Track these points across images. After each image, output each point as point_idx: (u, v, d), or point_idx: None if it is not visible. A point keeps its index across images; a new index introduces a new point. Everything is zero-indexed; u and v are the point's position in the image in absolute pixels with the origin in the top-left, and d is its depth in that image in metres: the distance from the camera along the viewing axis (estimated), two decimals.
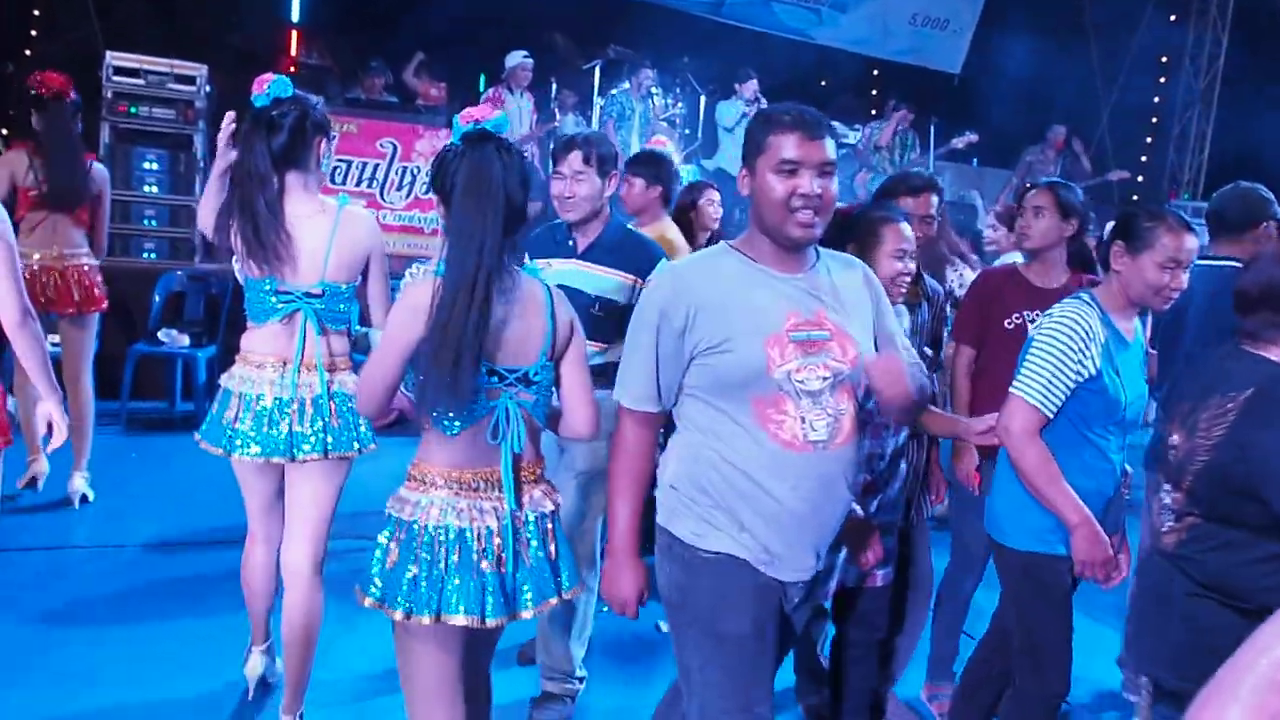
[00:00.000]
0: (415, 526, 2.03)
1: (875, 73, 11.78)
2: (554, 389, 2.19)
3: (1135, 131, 12.42)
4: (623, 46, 9.14)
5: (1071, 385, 2.41)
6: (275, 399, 2.68)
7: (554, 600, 2.14)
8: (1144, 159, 12.63)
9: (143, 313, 6.09)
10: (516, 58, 8.23)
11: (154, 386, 6.17)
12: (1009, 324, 3.10)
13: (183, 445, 5.60)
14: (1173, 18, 12.05)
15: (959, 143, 9.38)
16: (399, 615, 2.01)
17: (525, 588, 2.09)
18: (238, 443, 2.69)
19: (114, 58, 6.65)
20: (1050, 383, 2.40)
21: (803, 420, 1.96)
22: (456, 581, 2.01)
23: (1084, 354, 2.39)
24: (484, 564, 2.03)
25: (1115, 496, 2.55)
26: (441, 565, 2.01)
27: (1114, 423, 2.47)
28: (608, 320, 2.95)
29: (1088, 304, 2.47)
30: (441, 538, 2.02)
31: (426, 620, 1.99)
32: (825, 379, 1.97)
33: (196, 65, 6.81)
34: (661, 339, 2.00)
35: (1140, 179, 12.46)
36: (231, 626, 3.49)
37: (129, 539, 4.26)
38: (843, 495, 2.06)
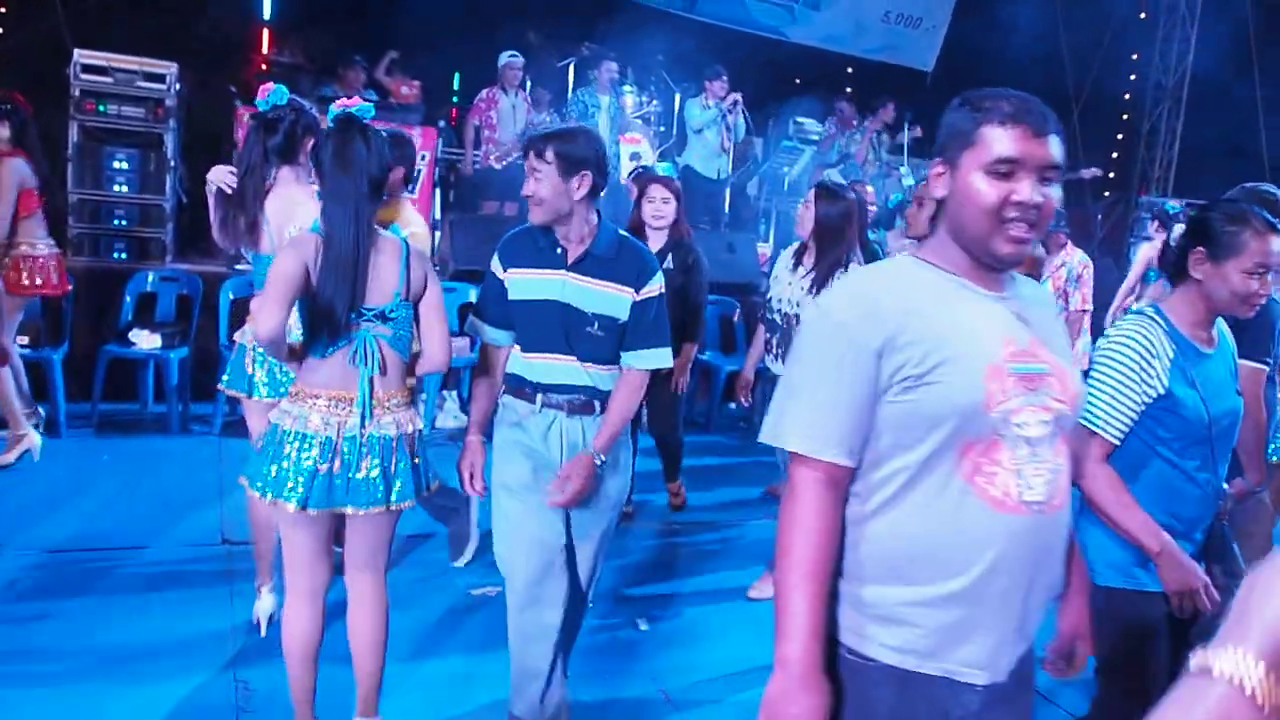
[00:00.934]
0: (278, 429, 2.56)
1: (849, 70, 11.83)
2: (416, 329, 2.68)
3: (1106, 128, 12.54)
4: (597, 44, 9.12)
5: (1138, 407, 2.26)
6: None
7: (380, 509, 2.59)
8: (1115, 155, 12.76)
9: (114, 313, 6.02)
10: (505, 57, 8.20)
11: (125, 388, 6.10)
12: None
13: (154, 447, 5.64)
14: (1143, 15, 12.17)
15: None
16: (257, 495, 2.58)
17: (355, 492, 2.56)
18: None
19: (82, 55, 6.56)
20: (1112, 407, 2.26)
21: (1018, 474, 1.56)
22: (294, 476, 2.53)
23: (1147, 372, 2.25)
24: (320, 466, 2.52)
25: (1211, 519, 2.40)
26: (287, 462, 2.53)
27: (1197, 441, 2.29)
28: (608, 340, 2.73)
29: (1151, 319, 2.31)
30: (291, 440, 2.53)
31: (269, 500, 2.56)
32: (1047, 423, 1.58)
33: (166, 63, 6.74)
34: (851, 365, 1.56)
35: (1111, 175, 12.58)
36: (212, 626, 3.47)
37: (101, 541, 4.21)
38: (1056, 572, 1.66)
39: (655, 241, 4.62)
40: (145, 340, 5.83)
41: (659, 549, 4.82)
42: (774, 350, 4.23)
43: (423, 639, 3.63)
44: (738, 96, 8.64)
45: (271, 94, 3.16)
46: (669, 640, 3.77)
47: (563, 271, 2.72)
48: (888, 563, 1.58)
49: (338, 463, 2.53)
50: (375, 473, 2.56)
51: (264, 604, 3.53)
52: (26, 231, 5.08)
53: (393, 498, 2.60)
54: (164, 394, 5.93)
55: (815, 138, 9.29)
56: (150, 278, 6.19)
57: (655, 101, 9.01)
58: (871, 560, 1.59)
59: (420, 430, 2.69)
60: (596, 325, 2.71)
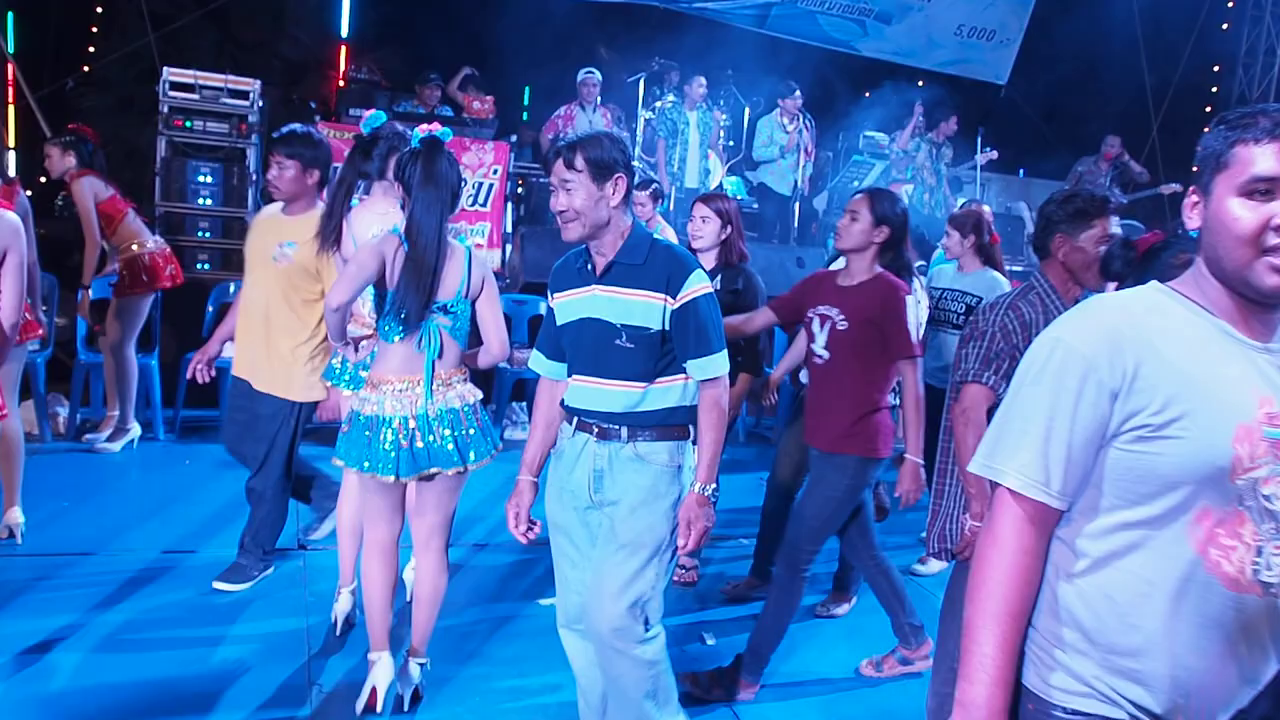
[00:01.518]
0: (359, 415, 2.97)
1: (919, 83, 11.73)
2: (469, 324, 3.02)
3: (1187, 143, 12.22)
4: (666, 59, 9.17)
5: None
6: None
7: (457, 469, 2.96)
8: (1195, 170, 12.42)
9: (196, 323, 6.21)
10: (581, 73, 8.32)
11: (206, 395, 6.27)
12: (810, 314, 3.47)
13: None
14: (1225, 26, 11.87)
15: (982, 159, 9.37)
16: (352, 470, 3.01)
17: (435, 456, 2.94)
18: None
19: (171, 73, 6.80)
20: None
21: (1258, 552, 1.40)
22: (381, 454, 2.92)
23: None
24: (402, 443, 2.91)
25: None
26: (374, 443, 2.93)
27: None
28: (639, 352, 2.55)
29: None
30: (373, 424, 2.93)
31: (364, 474, 2.97)
32: None
33: (250, 80, 6.96)
34: (1084, 402, 1.42)
35: (1191, 190, 12.23)
36: (289, 626, 3.56)
37: (185, 544, 4.34)
38: (1275, 664, 1.49)
39: (705, 263, 4.23)
40: (226, 350, 5.98)
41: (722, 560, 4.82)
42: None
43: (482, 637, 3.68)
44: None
45: (370, 118, 3.43)
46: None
47: (593, 287, 2.61)
48: (1092, 627, 1.45)
49: (417, 437, 2.92)
50: (449, 441, 2.95)
51: (342, 604, 3.66)
52: (126, 235, 5.45)
53: (470, 458, 2.99)
54: None
55: (886, 152, 9.23)
56: (231, 288, 6.36)
57: (725, 116, 9.03)
58: (1072, 620, 1.47)
59: (480, 399, 3.06)
60: (625, 337, 2.55)
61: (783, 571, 3.43)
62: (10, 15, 7.99)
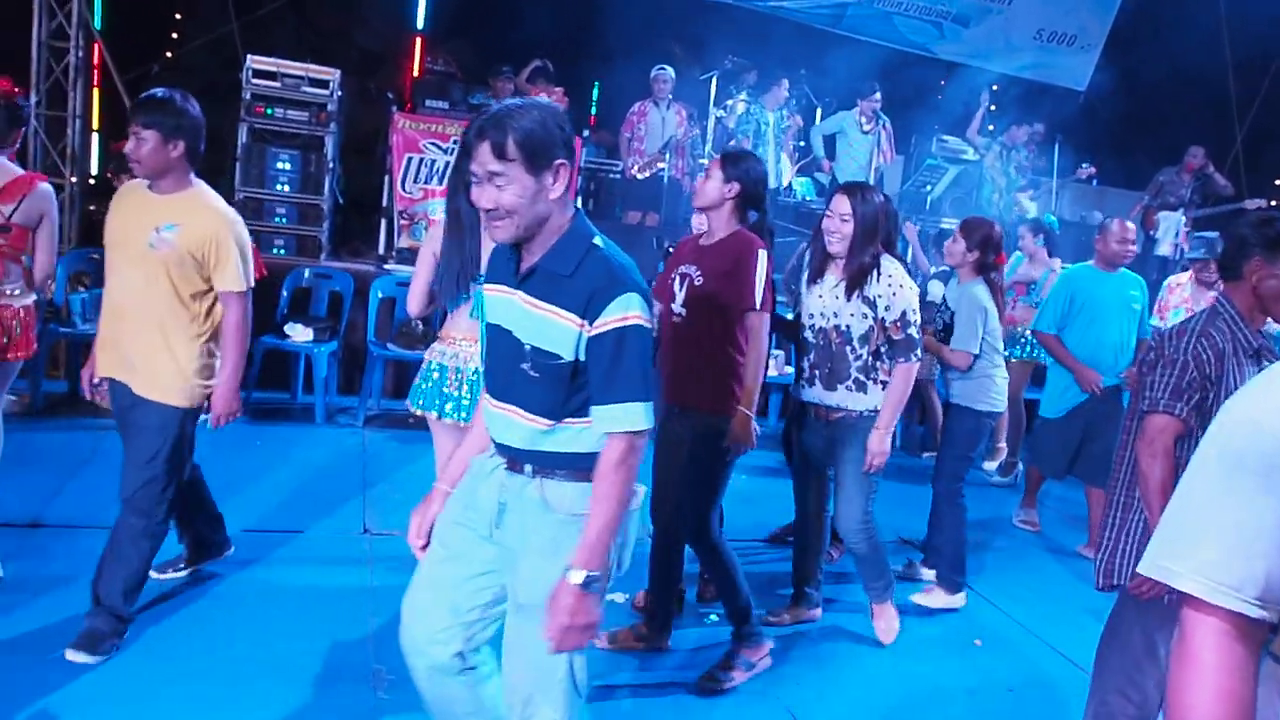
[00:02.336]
0: (431, 363, 3.26)
1: (995, 87, 11.53)
2: None
3: (1272, 156, 11.87)
4: (740, 57, 9.13)
5: None
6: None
7: None
8: None
9: (270, 307, 6.32)
10: (655, 70, 8.31)
11: (279, 378, 6.40)
12: (673, 275, 3.48)
13: (301, 436, 5.89)
14: None
15: (1082, 174, 9.25)
16: (422, 413, 3.27)
17: (468, 410, 3.15)
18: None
19: (254, 61, 6.92)
20: None
21: None
22: (439, 396, 3.23)
23: None
24: (462, 389, 3.21)
25: None
26: (432, 385, 3.24)
27: None
28: (545, 383, 2.06)
29: None
30: (436, 369, 3.24)
31: (433, 416, 3.23)
32: None
33: (330, 70, 7.06)
34: None
35: (1275, 204, 11.90)
36: (352, 611, 3.61)
37: (257, 523, 4.42)
38: None
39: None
40: (299, 334, 6.10)
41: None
42: (809, 374, 3.74)
43: None
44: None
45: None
46: (796, 662, 3.73)
47: (515, 290, 2.12)
48: None
49: (464, 388, 3.20)
50: None
51: None
52: None
53: None
54: (312, 385, 6.20)
55: (963, 155, 9.10)
56: (306, 274, 6.48)
57: (797, 117, 8.96)
58: None
59: None
60: (530, 361, 2.07)
61: (701, 547, 3.52)
62: (98, 1, 8.18)
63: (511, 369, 2.10)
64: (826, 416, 3.72)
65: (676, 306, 3.44)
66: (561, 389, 2.06)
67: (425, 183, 7.16)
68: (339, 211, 7.57)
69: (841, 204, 3.61)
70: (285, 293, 6.34)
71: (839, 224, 3.58)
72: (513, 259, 2.12)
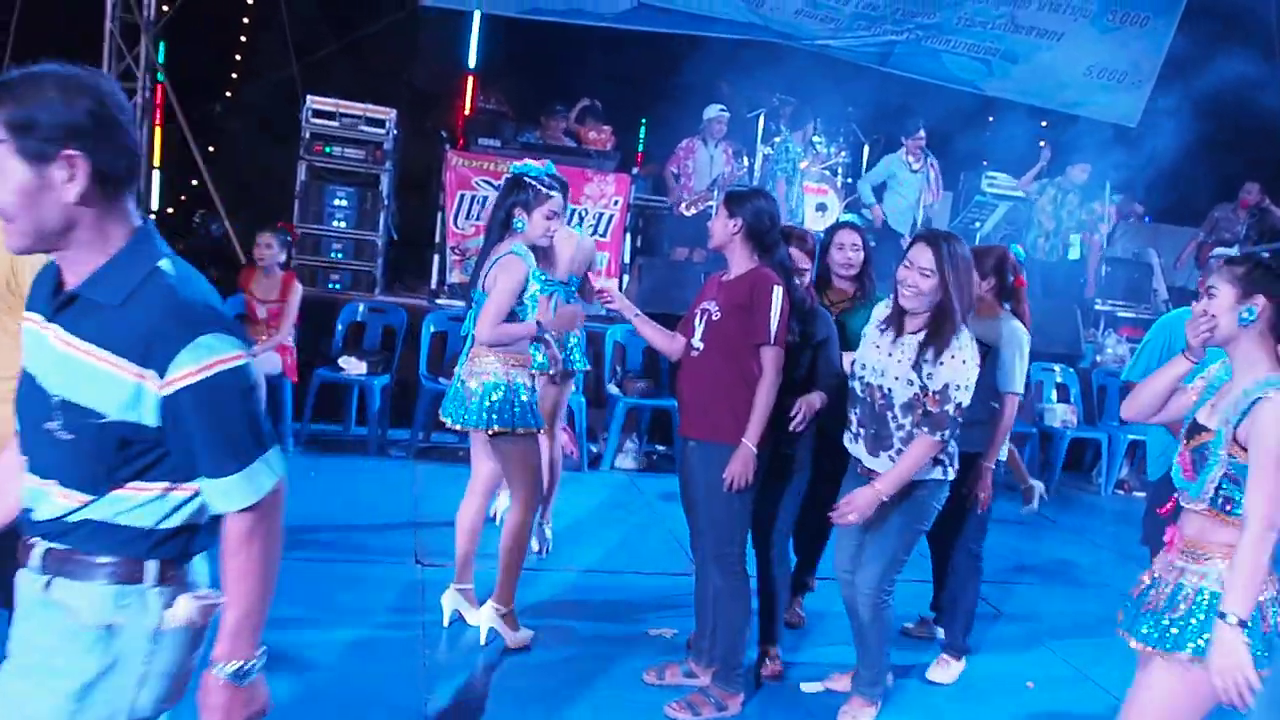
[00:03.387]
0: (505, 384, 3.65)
1: (1044, 124, 11.49)
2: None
3: None
4: (787, 95, 9.20)
5: None
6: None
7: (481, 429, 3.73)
8: None
9: (326, 340, 6.45)
10: (713, 110, 8.38)
11: (332, 409, 6.51)
12: (696, 311, 3.52)
13: (355, 466, 5.99)
14: None
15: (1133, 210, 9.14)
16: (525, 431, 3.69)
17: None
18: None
19: (314, 101, 7.11)
20: None
21: None
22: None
23: None
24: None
25: None
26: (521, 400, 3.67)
27: None
28: (83, 447, 1.56)
29: None
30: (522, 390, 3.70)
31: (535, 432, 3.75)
32: None
33: (386, 109, 7.23)
34: None
35: None
36: (403, 637, 3.65)
37: (310, 553, 4.49)
38: None
39: (844, 290, 4.23)
40: (353, 366, 6.21)
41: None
42: (855, 428, 3.39)
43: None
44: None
45: (543, 167, 3.80)
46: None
47: (46, 320, 1.62)
48: None
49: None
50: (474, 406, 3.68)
51: (449, 599, 3.92)
52: None
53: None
54: (365, 418, 6.29)
55: (1010, 193, 9.06)
56: (361, 308, 6.61)
57: (844, 153, 9.00)
58: None
59: (514, 381, 3.66)
60: (60, 420, 1.56)
61: (720, 579, 3.43)
62: (163, 43, 8.47)
63: (35, 426, 1.59)
64: (869, 476, 3.31)
65: (695, 341, 3.47)
66: (102, 459, 1.56)
67: (477, 219, 7.28)
68: (393, 247, 7.72)
69: (923, 256, 3.22)
70: (340, 326, 6.46)
71: (918, 278, 3.21)
72: (54, 281, 1.62)
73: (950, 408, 3.15)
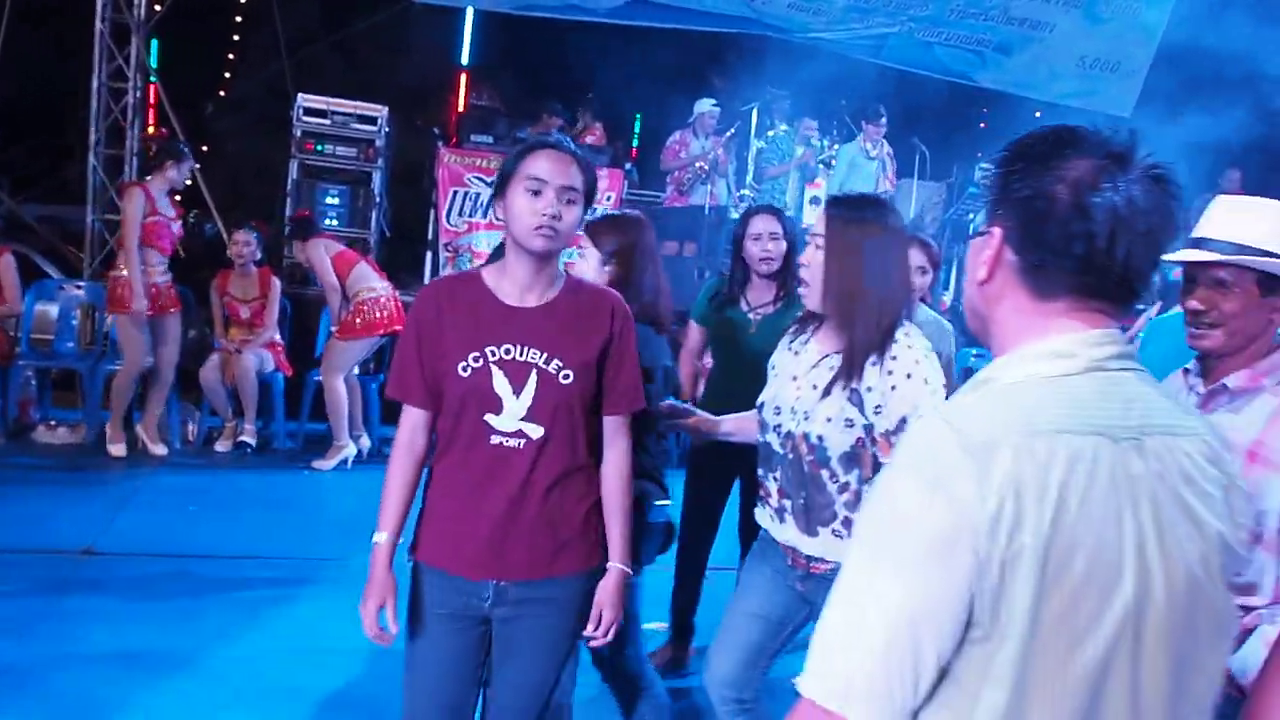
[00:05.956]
0: None
1: (1037, 114, 11.48)
2: None
3: None
4: (780, 88, 9.18)
5: None
6: None
7: None
8: None
9: (320, 339, 6.44)
10: (705, 105, 8.40)
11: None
12: None
13: (356, 465, 5.98)
14: None
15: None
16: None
17: None
18: None
19: (305, 99, 7.10)
20: None
21: None
22: None
23: None
24: None
25: None
26: None
27: None
28: None
29: None
30: None
31: None
32: None
33: (378, 107, 7.21)
34: None
35: None
36: None
37: (303, 549, 4.50)
38: None
39: (764, 291, 3.53)
40: None
41: None
42: (776, 500, 2.38)
43: None
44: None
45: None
46: None
47: None
48: None
49: None
50: None
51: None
52: (363, 278, 5.88)
53: None
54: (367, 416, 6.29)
55: None
56: None
57: (836, 146, 8.99)
58: None
59: None
60: None
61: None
62: (155, 42, 8.44)
63: None
64: (806, 567, 2.33)
65: None
66: None
67: (470, 216, 7.28)
68: (385, 244, 7.71)
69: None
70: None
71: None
72: None
73: None
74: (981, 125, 11.09)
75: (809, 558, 2.31)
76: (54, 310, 6.29)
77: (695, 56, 9.48)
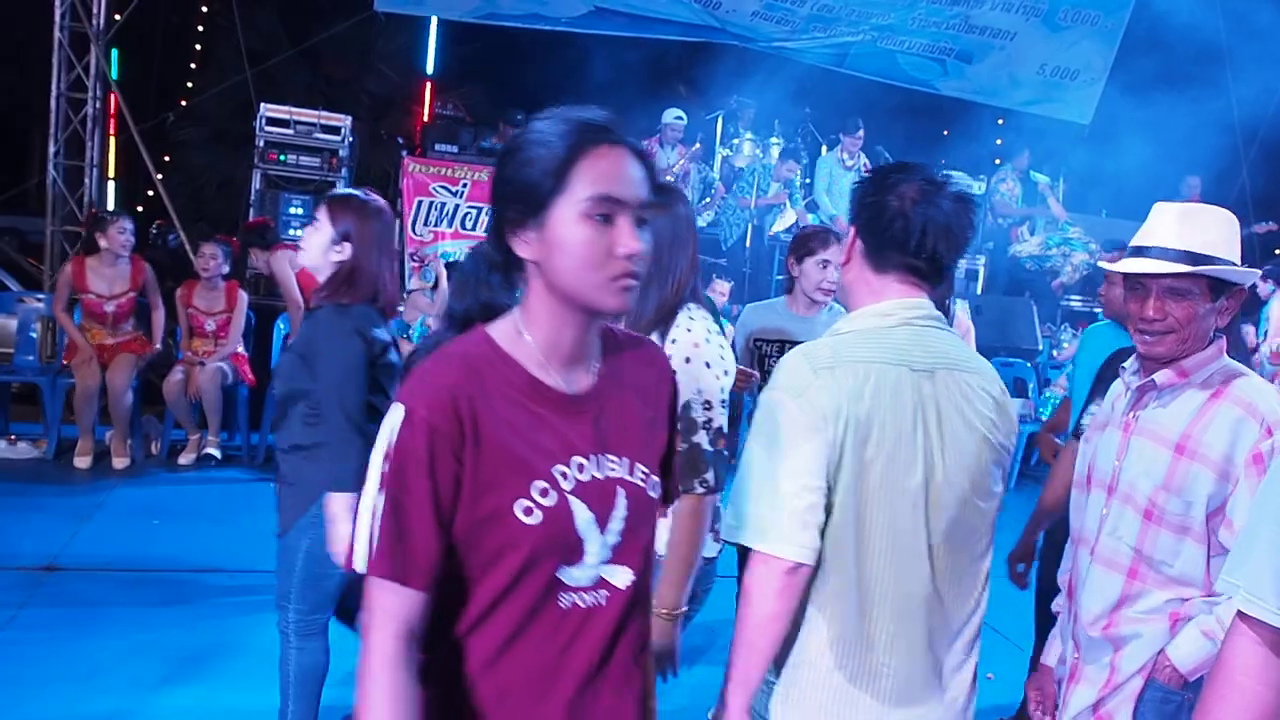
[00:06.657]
0: None
1: (1000, 122, 11.62)
2: None
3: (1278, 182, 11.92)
4: (745, 97, 9.24)
5: None
6: None
7: None
8: None
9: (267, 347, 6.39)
10: (670, 116, 8.42)
11: None
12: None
13: None
14: None
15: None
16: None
17: None
18: None
19: (267, 109, 7.05)
20: None
21: None
22: None
23: None
24: None
25: None
26: None
27: None
28: None
29: None
30: None
31: None
32: None
33: (341, 116, 7.18)
34: None
35: None
36: None
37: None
38: None
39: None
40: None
41: None
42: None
43: None
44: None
45: None
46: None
47: None
48: None
49: None
50: None
51: None
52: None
53: None
54: None
55: (970, 189, 9.20)
56: None
57: (803, 154, 9.05)
58: None
59: None
60: None
61: None
62: (115, 51, 8.35)
63: None
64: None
65: None
66: None
67: (435, 225, 7.26)
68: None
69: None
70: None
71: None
72: None
73: (701, 437, 2.09)
74: (944, 132, 11.21)
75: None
76: (13, 324, 6.20)
77: (660, 66, 9.53)
